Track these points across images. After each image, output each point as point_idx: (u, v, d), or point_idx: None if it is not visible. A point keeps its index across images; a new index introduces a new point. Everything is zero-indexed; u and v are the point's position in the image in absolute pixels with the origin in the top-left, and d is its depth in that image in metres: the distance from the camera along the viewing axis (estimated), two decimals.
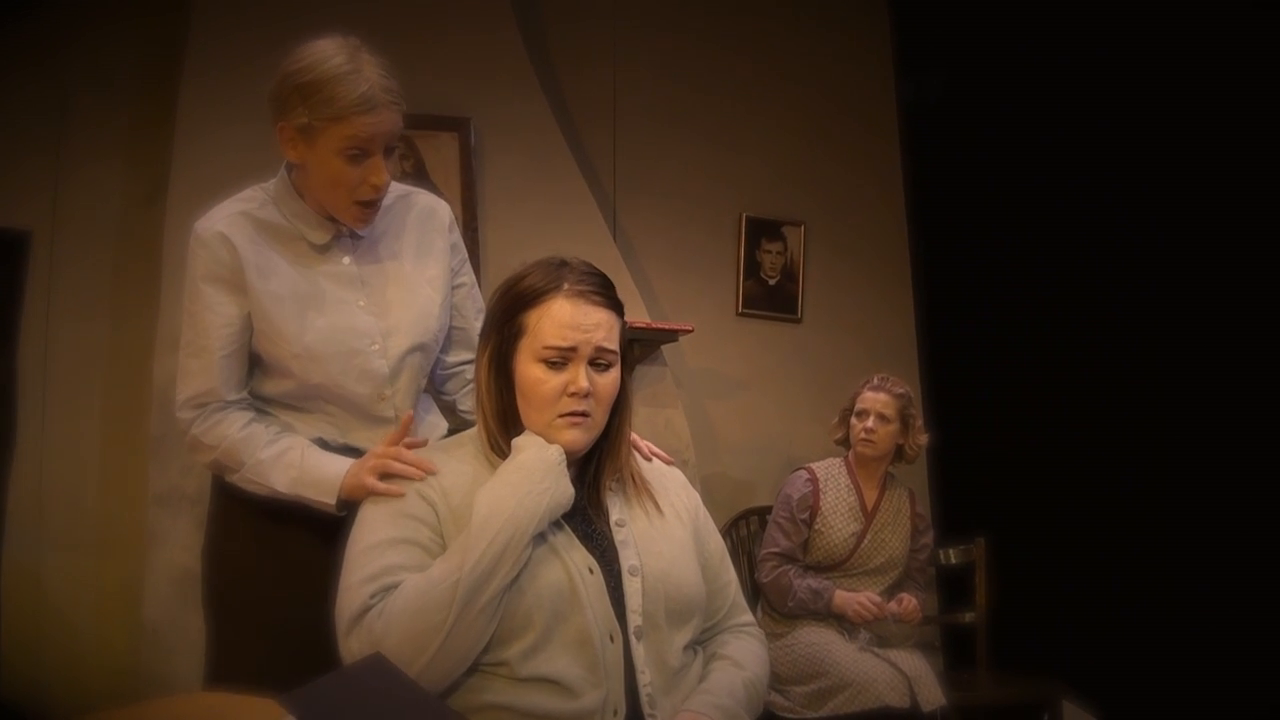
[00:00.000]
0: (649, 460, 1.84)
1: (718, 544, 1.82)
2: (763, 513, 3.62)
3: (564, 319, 1.61)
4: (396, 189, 1.99)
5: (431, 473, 1.66)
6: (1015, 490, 3.90)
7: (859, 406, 3.33)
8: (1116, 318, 3.64)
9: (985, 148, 4.09)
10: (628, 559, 1.64)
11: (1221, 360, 3.33)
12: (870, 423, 3.29)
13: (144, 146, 3.48)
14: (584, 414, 1.62)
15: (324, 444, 1.89)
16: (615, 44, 4.08)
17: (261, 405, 1.92)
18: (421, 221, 2.00)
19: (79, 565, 3.28)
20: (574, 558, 1.60)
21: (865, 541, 3.29)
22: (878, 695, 2.91)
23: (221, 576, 1.95)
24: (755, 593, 3.31)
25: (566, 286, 1.63)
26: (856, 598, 3.15)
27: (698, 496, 1.85)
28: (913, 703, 2.93)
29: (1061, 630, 3.67)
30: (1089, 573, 3.67)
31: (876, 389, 3.32)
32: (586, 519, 1.66)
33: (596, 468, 1.71)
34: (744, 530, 3.73)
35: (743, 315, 4.22)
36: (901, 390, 3.33)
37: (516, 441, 1.63)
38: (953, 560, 3.73)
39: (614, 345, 1.65)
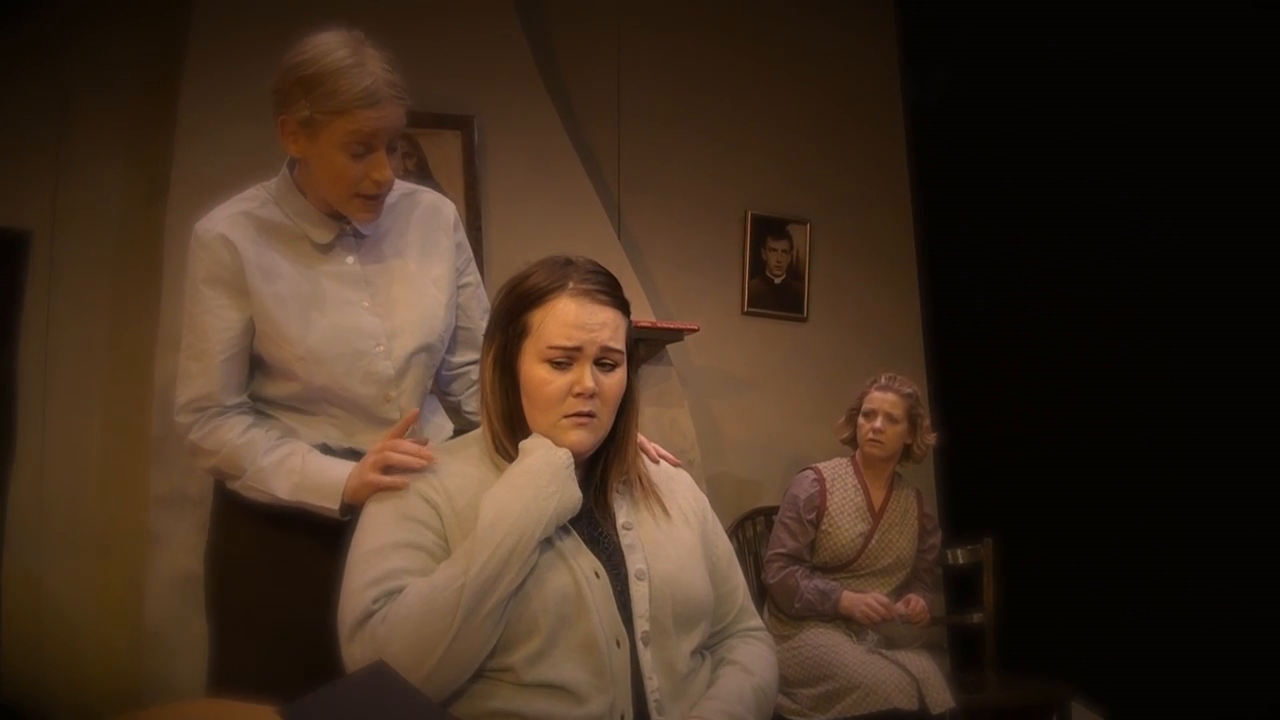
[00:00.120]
0: (656, 462, 1.82)
1: (726, 547, 1.80)
2: (769, 513, 3.61)
3: (569, 318, 1.59)
4: (401, 187, 1.97)
5: (430, 461, 1.64)
6: (1023, 490, 3.88)
7: (866, 406, 3.31)
8: (1123, 316, 3.63)
9: (991, 144, 4.08)
10: (634, 563, 1.62)
11: (1232, 359, 3.32)
12: (878, 423, 3.27)
13: (144, 146, 3.47)
14: (590, 415, 1.60)
15: (328, 449, 1.86)
16: (619, 42, 4.07)
17: (265, 408, 1.90)
18: (426, 220, 1.98)
19: (80, 567, 3.27)
20: (580, 562, 1.58)
21: (873, 542, 3.27)
22: (886, 697, 2.90)
23: (223, 579, 1.93)
24: (761, 594, 3.29)
25: (571, 285, 1.61)
26: (864, 599, 3.14)
27: (705, 499, 1.83)
28: (921, 705, 2.92)
29: (1070, 631, 3.67)
30: (1098, 573, 3.66)
31: (884, 389, 3.30)
32: (593, 522, 1.64)
33: (603, 470, 1.69)
34: (750, 531, 3.72)
35: (748, 314, 4.20)
36: (909, 390, 3.31)
37: (524, 444, 1.61)
38: (960, 561, 3.73)
39: (620, 345, 1.63)
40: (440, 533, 1.58)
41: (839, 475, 3.35)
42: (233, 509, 1.89)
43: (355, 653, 1.50)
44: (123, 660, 3.17)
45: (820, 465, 3.39)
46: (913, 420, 3.30)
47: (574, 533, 1.60)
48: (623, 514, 1.67)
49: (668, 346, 3.75)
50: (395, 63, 1.79)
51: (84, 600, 3.27)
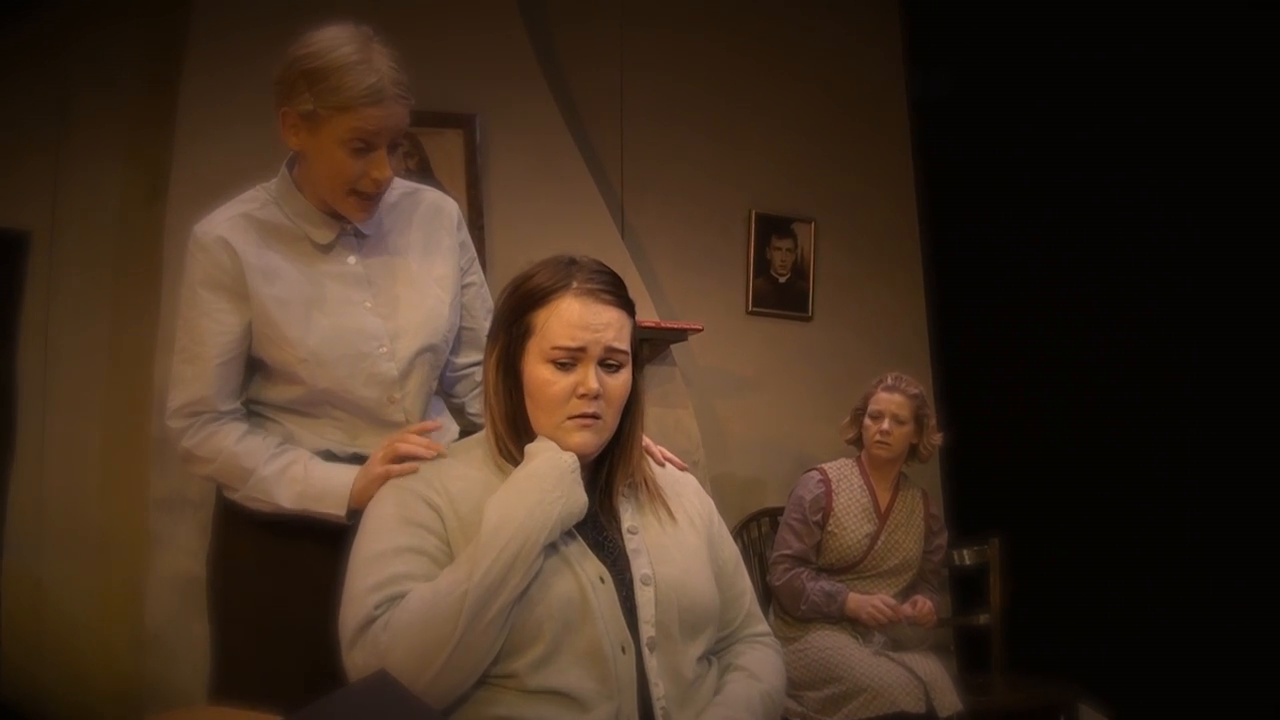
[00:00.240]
0: (662, 465, 1.80)
1: (732, 552, 1.78)
2: (774, 514, 3.60)
3: (572, 318, 1.57)
4: (403, 186, 1.95)
5: (440, 453, 1.63)
6: (1029, 490, 3.87)
7: (873, 408, 3.29)
8: (1130, 315, 3.62)
9: (995, 142, 4.07)
10: (640, 568, 1.60)
11: (1243, 360, 3.31)
12: (885, 425, 3.25)
13: (144, 147, 3.46)
14: (594, 416, 1.58)
15: (331, 454, 1.84)
16: (622, 40, 4.05)
17: (267, 413, 1.87)
18: (428, 219, 1.96)
19: (80, 570, 3.26)
20: (584, 567, 1.56)
21: (879, 543, 3.26)
22: (893, 700, 2.88)
23: (225, 582, 1.91)
24: (767, 596, 3.28)
25: (575, 285, 1.59)
26: (870, 601, 3.12)
27: (712, 503, 1.81)
28: (929, 708, 2.91)
29: (1078, 632, 3.65)
30: (1105, 573, 3.64)
31: (891, 390, 3.28)
32: (598, 526, 1.62)
33: (608, 473, 1.67)
34: (755, 532, 3.71)
35: (753, 313, 4.19)
36: (916, 390, 3.30)
37: (529, 448, 1.59)
38: (967, 561, 3.72)
39: (624, 345, 1.61)
40: (443, 537, 1.56)
41: (844, 476, 3.33)
42: (234, 513, 1.86)
43: (357, 659, 1.48)
44: (123, 662, 3.17)
45: (825, 466, 3.37)
46: (919, 421, 3.29)
47: (578, 537, 1.58)
48: (628, 518, 1.65)
49: (672, 346, 3.74)
50: (403, 61, 1.77)
51: (84, 602, 3.25)
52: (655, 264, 4.02)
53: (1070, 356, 3.83)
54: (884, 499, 3.31)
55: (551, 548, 1.54)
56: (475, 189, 3.55)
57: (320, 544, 1.76)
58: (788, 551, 3.24)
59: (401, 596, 1.49)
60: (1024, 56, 3.93)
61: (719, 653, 1.71)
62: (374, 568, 1.52)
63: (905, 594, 3.24)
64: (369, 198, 1.81)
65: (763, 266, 4.20)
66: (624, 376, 1.62)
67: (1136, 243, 3.60)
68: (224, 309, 1.79)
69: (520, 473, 1.56)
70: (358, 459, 1.83)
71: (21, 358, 3.32)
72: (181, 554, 2.98)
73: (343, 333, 1.83)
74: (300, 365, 1.80)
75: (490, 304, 2.02)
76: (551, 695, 1.49)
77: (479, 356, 1.97)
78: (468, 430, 2.00)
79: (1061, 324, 3.86)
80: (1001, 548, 3.66)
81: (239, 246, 1.79)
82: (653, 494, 1.69)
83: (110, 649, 3.22)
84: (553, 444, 1.58)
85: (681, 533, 1.68)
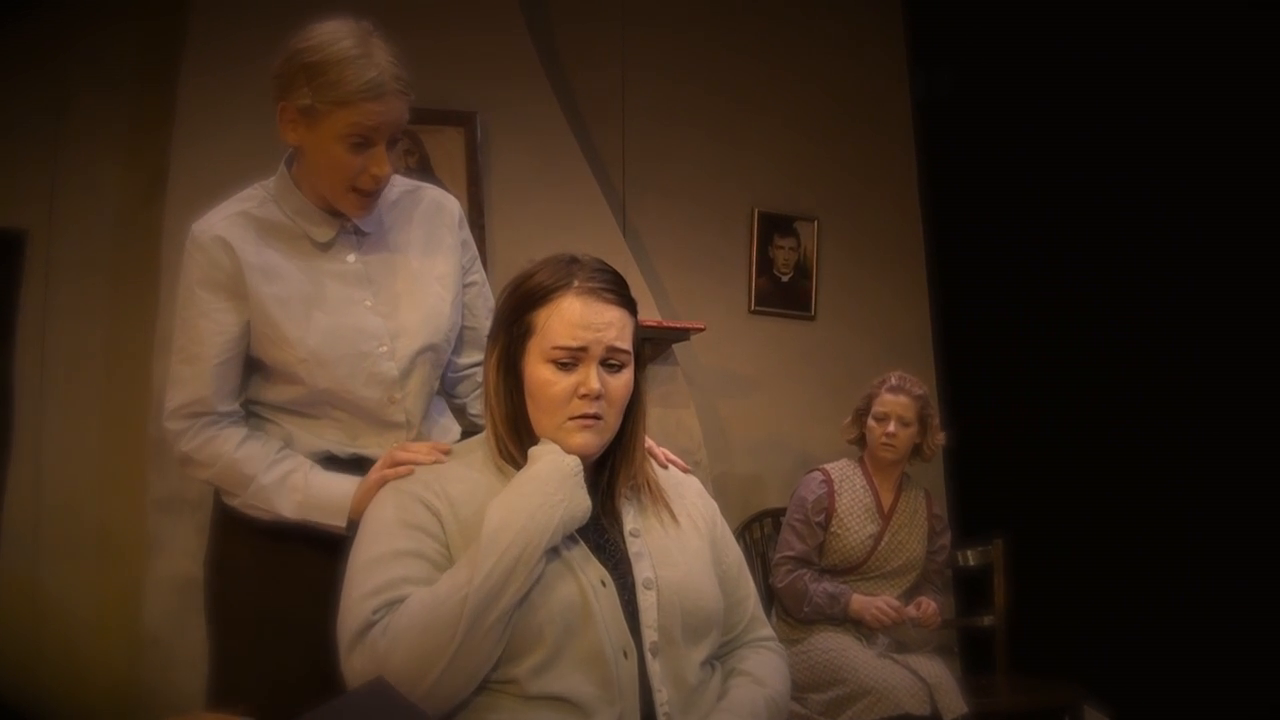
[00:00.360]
0: (665, 467, 1.78)
1: (736, 555, 1.76)
2: (776, 514, 3.59)
3: (574, 317, 1.55)
4: (404, 183, 1.93)
5: (445, 455, 1.63)
6: (1033, 490, 3.87)
7: (878, 410, 3.26)
8: (1133, 315, 3.61)
9: (999, 141, 4.06)
10: (642, 571, 1.57)
11: (1247, 360, 3.31)
12: (891, 427, 3.23)
13: (143, 147, 3.46)
14: (596, 417, 1.56)
15: (331, 455, 1.82)
16: (624, 37, 4.04)
17: (266, 413, 1.86)
18: (429, 217, 1.94)
19: (77, 572, 3.26)
20: (586, 570, 1.53)
21: (883, 543, 3.24)
22: (897, 703, 2.86)
23: (223, 586, 1.89)
24: (769, 597, 3.26)
25: (576, 284, 1.57)
26: (874, 602, 3.11)
27: (715, 506, 1.79)
28: (933, 710, 2.89)
29: (1082, 633, 3.65)
30: (1110, 574, 3.64)
31: (896, 391, 3.25)
32: (600, 528, 1.60)
33: (610, 474, 1.65)
34: (758, 533, 3.70)
35: (755, 313, 4.18)
36: (920, 391, 3.28)
37: (533, 451, 1.57)
38: (971, 562, 3.72)
39: (626, 345, 1.59)
40: (442, 540, 1.54)
41: (847, 476, 3.32)
42: (232, 516, 1.85)
43: (355, 665, 1.46)
44: (121, 665, 3.15)
45: (828, 466, 3.36)
46: (923, 421, 3.27)
47: (580, 540, 1.56)
48: (630, 520, 1.63)
49: (674, 346, 3.73)
50: (403, 56, 1.75)
51: (82, 604, 3.25)
52: (657, 263, 4.01)
53: (1073, 356, 3.83)
54: (887, 499, 3.30)
55: (553, 551, 1.51)
56: (476, 187, 3.54)
57: (318, 547, 1.74)
58: (790, 553, 3.22)
59: (400, 601, 1.47)
60: (1027, 56, 3.93)
61: (722, 657, 1.69)
62: (372, 572, 1.50)
63: (909, 595, 3.23)
64: (368, 194, 1.79)
65: (765, 265, 4.18)
66: (626, 376, 1.60)
67: (1139, 242, 3.60)
68: (222, 309, 1.78)
69: (522, 475, 1.54)
70: (358, 460, 1.81)
71: (19, 358, 3.32)
72: (180, 555, 2.97)
73: (342, 332, 1.81)
74: (299, 365, 1.78)
75: (492, 303, 2.00)
76: (552, 701, 1.46)
77: (481, 356, 1.95)
78: (469, 431, 1.98)
79: (1064, 323, 3.86)
80: (1005, 549, 3.66)
81: (237, 245, 1.77)
82: (655, 496, 1.67)
83: (108, 651, 3.21)
84: (556, 446, 1.56)
85: (684, 535, 1.66)
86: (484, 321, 1.98)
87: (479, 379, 1.96)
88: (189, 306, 1.79)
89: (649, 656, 1.53)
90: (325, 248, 1.84)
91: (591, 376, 1.55)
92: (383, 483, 1.63)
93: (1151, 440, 3.53)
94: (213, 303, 1.77)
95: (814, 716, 2.98)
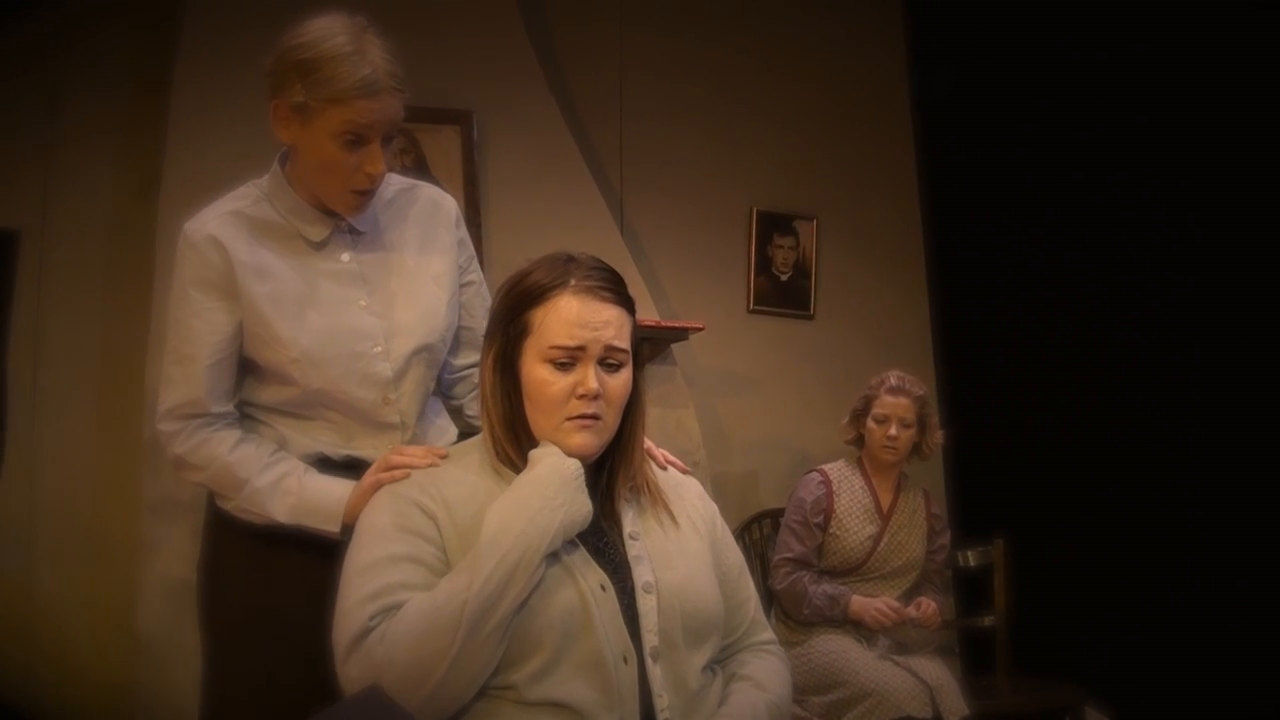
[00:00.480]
0: (664, 469, 1.76)
1: (736, 557, 1.74)
2: (776, 515, 3.58)
3: (571, 316, 1.54)
4: (399, 182, 1.91)
5: (441, 459, 1.61)
6: (1034, 491, 3.86)
7: (878, 412, 3.24)
8: (1133, 314, 3.61)
9: (998, 142, 4.06)
10: (642, 575, 1.55)
11: (1248, 360, 3.30)
12: (893, 430, 3.22)
13: (136, 146, 3.44)
14: (594, 417, 1.54)
15: (325, 457, 1.80)
16: (622, 36, 4.03)
17: (258, 415, 1.83)
18: (426, 216, 1.92)
19: (71, 575, 3.24)
20: (585, 574, 1.51)
21: (882, 544, 3.23)
22: (899, 705, 2.86)
23: (216, 589, 1.86)
24: (769, 599, 3.25)
25: (574, 282, 1.55)
26: (874, 603, 3.10)
27: (715, 507, 1.77)
28: (935, 713, 2.89)
29: (1084, 633, 3.64)
30: (1111, 574, 3.63)
31: (896, 393, 3.23)
32: (598, 531, 1.58)
33: (609, 476, 1.63)
34: (757, 533, 3.70)
35: (754, 312, 4.16)
36: (921, 392, 3.27)
37: (533, 454, 1.55)
38: (971, 562, 3.72)
39: (624, 344, 1.57)
40: (439, 544, 1.51)
41: (845, 477, 3.31)
42: (225, 519, 1.82)
43: (352, 673, 1.44)
44: (115, 669, 3.14)
45: (826, 467, 3.35)
46: (922, 421, 3.27)
47: (579, 544, 1.54)
48: (629, 523, 1.61)
49: (672, 346, 3.71)
50: (397, 52, 1.73)
51: (75, 608, 3.23)
52: (655, 262, 3.99)
53: (1073, 356, 3.82)
54: (886, 500, 3.29)
55: (552, 555, 1.49)
56: (473, 187, 3.52)
57: (312, 551, 1.72)
58: (789, 555, 3.21)
59: (397, 607, 1.45)
60: (1026, 56, 3.93)
61: (723, 662, 1.67)
62: (368, 577, 1.48)
63: (909, 595, 3.22)
64: (362, 193, 1.77)
65: (764, 264, 4.17)
66: (624, 376, 1.58)
67: (1139, 242, 3.60)
68: (215, 308, 1.75)
69: (522, 479, 1.52)
70: (352, 462, 1.79)
71: (11, 359, 3.29)
72: (174, 559, 2.95)
73: (336, 332, 1.79)
74: (293, 365, 1.76)
75: (490, 303, 1.98)
76: (551, 707, 1.44)
77: (477, 357, 1.93)
78: (466, 433, 1.96)
79: (1064, 323, 3.85)
80: (1006, 549, 3.66)
81: (230, 244, 1.75)
82: (654, 498, 1.65)
83: (102, 653, 3.19)
84: (557, 449, 1.54)
85: (684, 537, 1.64)
86: (481, 321, 1.96)
87: (476, 380, 1.94)
88: (181, 306, 1.77)
89: (650, 661, 1.51)
90: (319, 247, 1.82)
91: (589, 376, 1.53)
92: (377, 487, 1.61)
93: (1151, 440, 3.52)
94: (205, 302, 1.75)
95: (815, 719, 2.97)
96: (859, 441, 3.34)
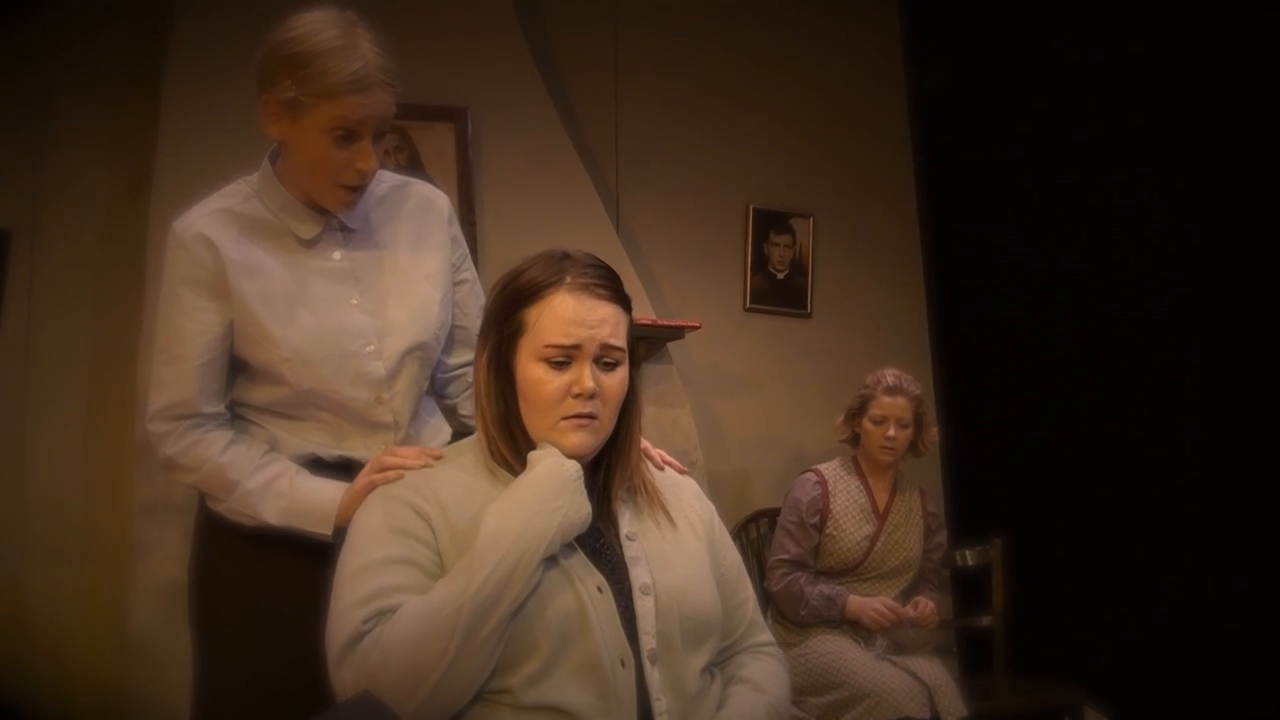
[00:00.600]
0: (661, 469, 1.74)
1: (734, 558, 1.72)
2: (773, 514, 3.57)
3: (566, 314, 1.51)
4: (391, 178, 1.89)
5: (435, 459, 1.59)
6: (1031, 490, 3.85)
7: (875, 412, 3.23)
8: (1130, 314, 3.61)
9: (995, 141, 4.05)
10: (639, 577, 1.53)
11: (1246, 359, 3.30)
12: (891, 431, 3.21)
13: (127, 145, 3.44)
14: (590, 416, 1.52)
15: (317, 458, 1.78)
16: (617, 33, 4.01)
17: (249, 415, 1.81)
18: (418, 213, 1.90)
19: (63, 577, 3.23)
20: (582, 576, 1.49)
21: (879, 544, 3.23)
22: (897, 706, 2.85)
23: (208, 591, 1.85)
24: (765, 600, 3.23)
25: (569, 280, 1.53)
26: (871, 604, 3.09)
27: (713, 508, 1.75)
28: (933, 713, 2.88)
29: (1082, 633, 3.64)
30: (1109, 574, 3.63)
31: (893, 393, 3.22)
32: (595, 532, 1.55)
33: (606, 476, 1.60)
34: (754, 533, 3.69)
35: (751, 310, 4.15)
36: (917, 391, 3.27)
37: (531, 456, 1.53)
38: (969, 562, 3.71)
39: (621, 342, 1.55)
40: (433, 546, 1.49)
41: (841, 476, 3.30)
42: (216, 521, 1.81)
43: (346, 678, 1.41)
44: (107, 670, 3.13)
45: (821, 467, 3.34)
46: (919, 419, 3.26)
47: (576, 545, 1.52)
48: (626, 524, 1.59)
49: (669, 345, 3.70)
50: (389, 47, 1.70)
51: (67, 609, 3.23)
52: (651, 261, 3.98)
53: (1071, 355, 3.82)
54: (882, 499, 3.28)
55: (549, 557, 1.47)
56: (467, 184, 3.51)
57: (305, 553, 1.70)
58: (785, 556, 3.20)
59: (391, 610, 1.43)
60: (1023, 55, 3.92)
61: (721, 664, 1.65)
62: (362, 580, 1.46)
63: (906, 595, 3.22)
64: (353, 189, 1.75)
65: (760, 263, 4.16)
66: (621, 375, 1.56)
67: (1136, 242, 3.60)
68: (205, 307, 1.73)
69: (521, 481, 1.50)
70: (344, 462, 1.77)
71: (3, 360, 3.29)
72: (166, 560, 2.94)
73: (328, 331, 1.77)
74: (284, 364, 1.74)
75: (484, 301, 1.96)
76: (548, 711, 1.42)
77: (471, 356, 1.91)
78: (460, 433, 1.94)
79: (1061, 322, 3.85)
80: (1004, 548, 3.65)
81: (219, 242, 1.73)
82: (651, 498, 1.63)
83: (94, 655, 3.19)
84: (555, 451, 1.52)
85: (682, 538, 1.62)
86: (475, 320, 1.93)
87: (470, 379, 1.92)
88: (171, 306, 1.74)
89: (647, 664, 1.49)
90: (310, 244, 1.79)
91: (585, 375, 1.51)
92: (370, 488, 1.59)
93: (1151, 440, 3.52)
94: (195, 301, 1.73)
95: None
96: (854, 441, 3.33)
